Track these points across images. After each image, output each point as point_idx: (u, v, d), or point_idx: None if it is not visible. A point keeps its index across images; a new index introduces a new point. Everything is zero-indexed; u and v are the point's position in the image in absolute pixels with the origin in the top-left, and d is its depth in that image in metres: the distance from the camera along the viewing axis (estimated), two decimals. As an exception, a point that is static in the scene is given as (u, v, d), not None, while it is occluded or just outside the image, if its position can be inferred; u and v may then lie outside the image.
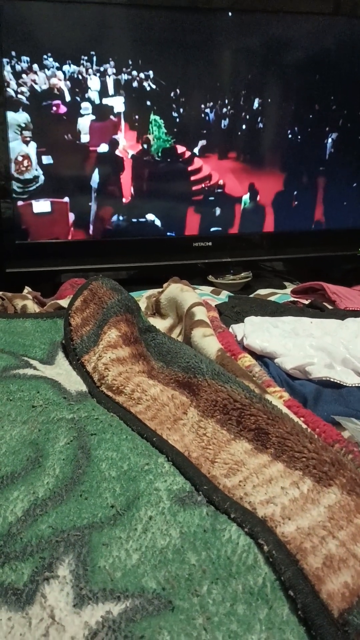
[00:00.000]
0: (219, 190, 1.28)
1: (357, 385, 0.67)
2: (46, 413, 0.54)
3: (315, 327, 0.81)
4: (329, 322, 0.84)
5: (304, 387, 0.67)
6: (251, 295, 1.15)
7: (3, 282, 1.12)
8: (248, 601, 0.34)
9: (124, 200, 1.23)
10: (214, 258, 1.29)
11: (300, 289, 1.13)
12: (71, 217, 1.20)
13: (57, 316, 0.83)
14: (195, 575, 0.36)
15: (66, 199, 1.19)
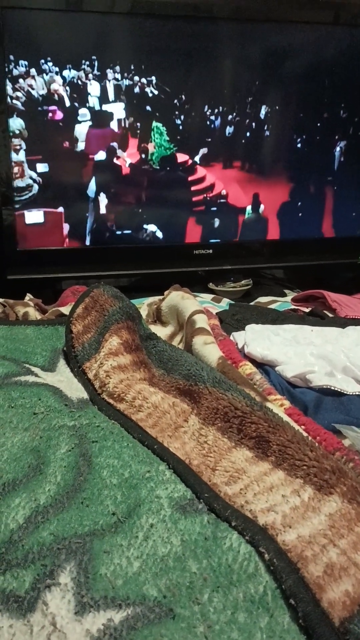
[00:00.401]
0: (222, 201, 1.27)
1: (357, 393, 0.67)
2: (47, 420, 0.54)
3: (316, 335, 0.81)
4: (329, 330, 0.84)
5: (304, 395, 0.67)
6: (252, 303, 1.15)
7: (4, 289, 1.12)
8: (249, 609, 0.34)
9: (122, 210, 1.21)
10: (214, 266, 1.29)
11: (301, 297, 1.14)
12: (66, 227, 1.19)
13: (58, 323, 0.83)
14: (196, 583, 0.36)
15: (60, 209, 1.18)
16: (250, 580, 0.36)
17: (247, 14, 1.17)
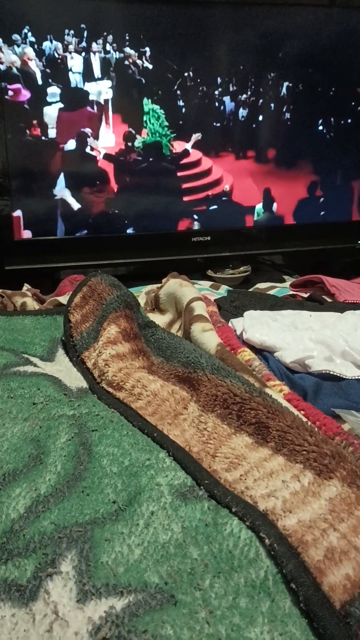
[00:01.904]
0: (225, 199, 1.16)
1: (356, 377, 0.67)
2: (47, 410, 0.54)
3: (315, 321, 0.81)
4: (328, 315, 0.84)
5: (303, 381, 0.67)
6: (250, 289, 1.14)
7: (2, 279, 1.12)
8: (250, 594, 0.35)
9: (98, 213, 1.10)
10: (212, 252, 1.28)
11: (299, 282, 1.13)
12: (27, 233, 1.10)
13: (56, 313, 0.83)
14: (198, 570, 0.36)
15: (18, 213, 1.06)
16: (251, 566, 0.36)
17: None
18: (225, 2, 1.06)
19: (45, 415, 0.54)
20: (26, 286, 1.01)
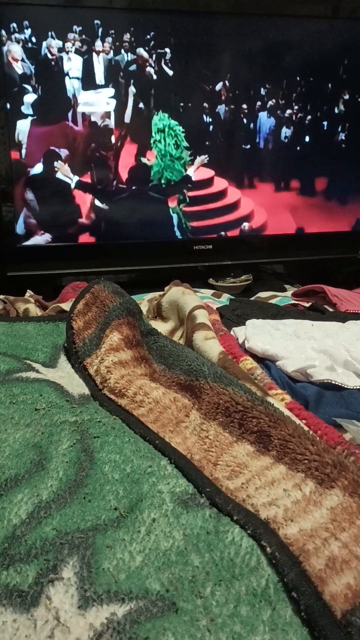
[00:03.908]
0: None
1: (358, 387, 0.67)
2: (49, 416, 0.55)
3: (317, 330, 0.81)
4: (330, 324, 0.84)
5: (305, 390, 0.67)
6: (252, 298, 1.15)
7: (5, 285, 1.12)
8: (251, 603, 0.35)
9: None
10: (214, 261, 1.29)
11: (301, 292, 1.14)
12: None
13: (59, 319, 0.83)
14: (199, 577, 0.36)
15: None
16: (253, 574, 0.36)
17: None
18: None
19: (48, 421, 0.54)
20: (29, 292, 1.02)
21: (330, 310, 1.00)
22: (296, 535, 0.39)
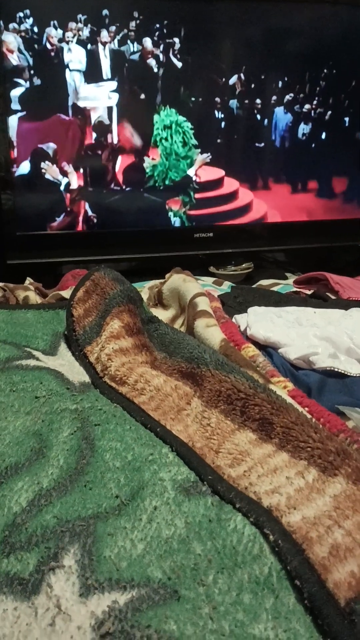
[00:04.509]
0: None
1: (361, 375, 0.67)
2: (49, 404, 0.54)
3: (319, 317, 0.81)
4: (332, 312, 0.84)
5: (308, 377, 0.66)
6: (253, 286, 1.14)
7: (4, 273, 1.12)
8: (254, 590, 0.34)
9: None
10: (215, 249, 1.27)
11: (303, 279, 1.13)
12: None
13: (59, 307, 0.83)
14: (201, 565, 0.36)
15: None
16: (255, 562, 0.36)
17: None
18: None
19: (48, 409, 0.53)
20: (29, 280, 1.01)
21: (333, 297, 1.00)
22: (299, 523, 0.38)
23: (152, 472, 0.44)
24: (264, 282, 1.18)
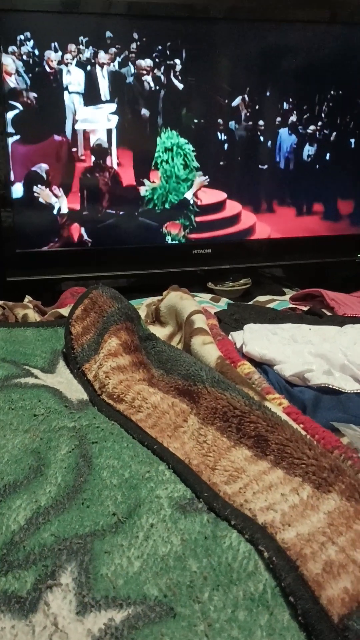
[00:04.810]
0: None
1: (355, 391, 0.68)
2: (48, 422, 0.55)
3: (314, 334, 0.82)
4: (327, 328, 0.85)
5: (303, 394, 0.67)
6: (251, 302, 1.15)
7: (3, 291, 1.13)
8: (249, 607, 0.35)
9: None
10: (213, 265, 1.28)
11: (299, 296, 1.14)
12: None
13: (57, 325, 0.83)
14: (197, 582, 0.36)
15: None
16: (250, 579, 0.37)
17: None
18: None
19: (46, 427, 0.54)
20: (28, 298, 1.02)
21: (328, 314, 1.01)
22: (293, 539, 0.39)
23: (148, 489, 0.45)
24: (261, 298, 1.19)
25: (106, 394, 0.62)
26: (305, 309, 1.05)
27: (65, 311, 0.91)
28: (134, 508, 0.43)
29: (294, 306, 1.09)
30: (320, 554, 0.37)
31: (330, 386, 0.68)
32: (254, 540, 0.39)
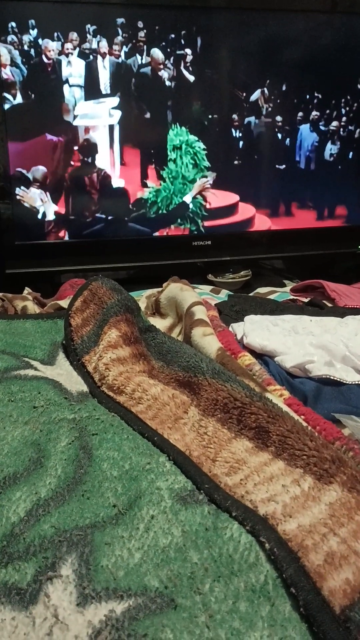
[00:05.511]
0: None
1: (357, 382, 0.67)
2: (47, 413, 0.55)
3: (315, 325, 0.81)
4: (328, 320, 0.84)
5: (304, 385, 0.67)
6: (251, 294, 1.15)
7: (3, 283, 1.12)
8: (250, 599, 0.35)
9: None
10: (213, 257, 1.28)
11: (299, 287, 1.13)
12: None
13: (57, 317, 0.83)
14: (198, 574, 0.36)
15: None
16: (251, 570, 0.36)
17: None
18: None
19: (46, 418, 0.54)
20: (27, 290, 1.02)
21: (329, 305, 1.00)
22: (295, 531, 0.39)
23: (149, 481, 0.44)
24: (262, 290, 1.19)
25: (106, 385, 0.62)
26: (306, 300, 1.05)
27: (64, 303, 0.90)
28: (135, 500, 0.42)
29: (295, 297, 1.09)
30: (322, 545, 0.37)
31: (332, 377, 0.67)
32: (255, 532, 0.39)
